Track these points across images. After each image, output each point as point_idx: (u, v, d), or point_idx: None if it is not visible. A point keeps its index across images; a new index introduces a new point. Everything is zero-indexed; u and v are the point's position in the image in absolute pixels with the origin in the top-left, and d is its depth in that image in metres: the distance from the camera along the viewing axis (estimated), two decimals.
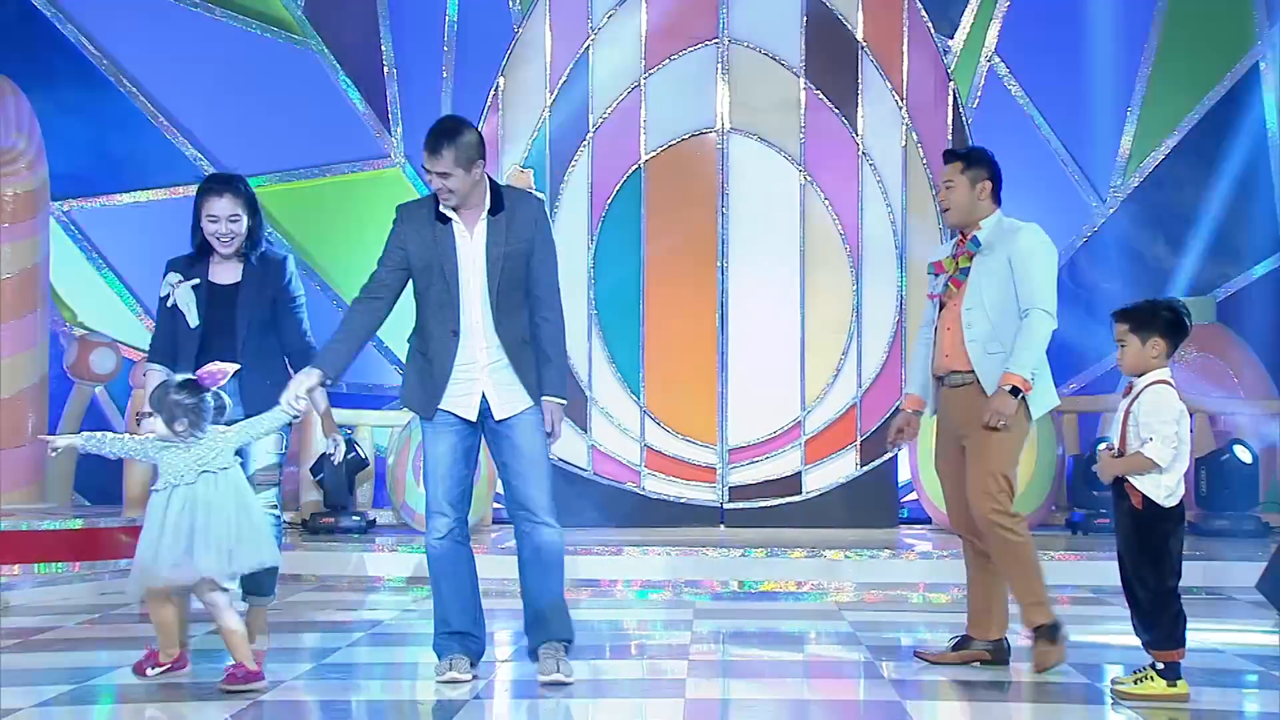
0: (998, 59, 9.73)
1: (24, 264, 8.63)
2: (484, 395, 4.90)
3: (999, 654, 5.28)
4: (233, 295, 5.22)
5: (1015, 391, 5.10)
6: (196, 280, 5.22)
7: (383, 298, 4.95)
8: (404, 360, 5.15)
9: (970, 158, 5.35)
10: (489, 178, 4.95)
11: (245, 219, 5.23)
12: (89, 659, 5.60)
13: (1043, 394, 5.21)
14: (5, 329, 8.55)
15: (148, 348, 5.34)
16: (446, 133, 4.82)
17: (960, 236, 5.32)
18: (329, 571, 7.91)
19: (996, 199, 5.33)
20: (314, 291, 9.85)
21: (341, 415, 9.22)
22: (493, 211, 4.90)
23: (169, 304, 5.22)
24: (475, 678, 4.99)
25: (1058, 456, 8.75)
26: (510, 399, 4.91)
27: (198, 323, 5.19)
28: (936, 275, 5.35)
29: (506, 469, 4.96)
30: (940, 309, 5.30)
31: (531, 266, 4.92)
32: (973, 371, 5.17)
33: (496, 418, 4.91)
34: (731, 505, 9.15)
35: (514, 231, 4.89)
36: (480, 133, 4.91)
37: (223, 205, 5.18)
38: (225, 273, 5.25)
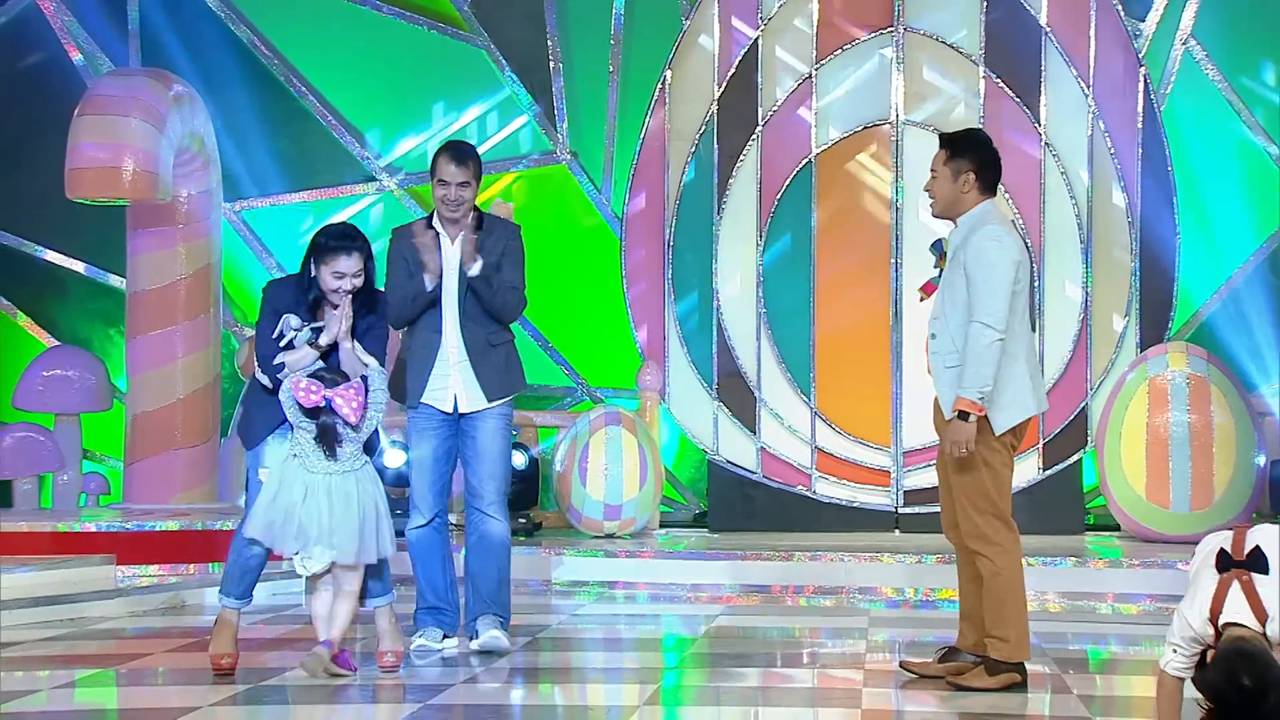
0: (1194, 42, 9.44)
1: (198, 265, 8.92)
2: (455, 393, 5.70)
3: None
4: (335, 346, 5.31)
5: (965, 415, 4.93)
6: (322, 324, 5.28)
7: None
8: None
9: (956, 145, 5.17)
10: (476, 206, 5.81)
11: (364, 272, 5.35)
12: (261, 659, 5.77)
13: (1011, 406, 5.01)
14: (180, 330, 8.85)
15: (260, 359, 5.34)
16: (470, 149, 5.78)
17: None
18: None
19: (987, 189, 5.14)
20: None
21: None
22: (472, 230, 5.71)
23: (281, 345, 5.27)
24: (445, 645, 5.76)
25: (1259, 462, 8.48)
26: (475, 396, 5.70)
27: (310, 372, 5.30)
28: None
29: (468, 466, 5.77)
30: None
31: (500, 271, 5.71)
32: None
33: (461, 410, 5.69)
34: (906, 510, 9.05)
35: (486, 247, 5.69)
36: None
37: (351, 263, 5.30)
38: (323, 312, 5.33)
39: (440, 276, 5.66)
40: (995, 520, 5.07)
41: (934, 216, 5.30)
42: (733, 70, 9.15)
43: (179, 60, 9.58)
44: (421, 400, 5.71)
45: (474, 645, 5.75)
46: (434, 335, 5.70)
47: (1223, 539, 4.11)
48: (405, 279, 5.70)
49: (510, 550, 5.87)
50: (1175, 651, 4.04)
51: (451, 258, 5.70)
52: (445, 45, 9.93)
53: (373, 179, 10.01)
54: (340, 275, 5.28)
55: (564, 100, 9.84)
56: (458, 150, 5.72)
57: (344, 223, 5.52)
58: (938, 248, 5.20)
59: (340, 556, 5.19)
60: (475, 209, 5.78)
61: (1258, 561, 3.95)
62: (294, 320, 5.31)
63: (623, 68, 9.74)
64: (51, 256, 10.01)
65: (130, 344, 8.99)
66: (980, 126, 5.26)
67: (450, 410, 5.71)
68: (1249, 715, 3.73)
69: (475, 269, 5.63)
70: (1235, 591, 3.94)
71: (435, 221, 5.74)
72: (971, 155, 5.17)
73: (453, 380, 5.70)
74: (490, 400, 5.71)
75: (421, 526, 5.80)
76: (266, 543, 5.27)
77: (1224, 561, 3.99)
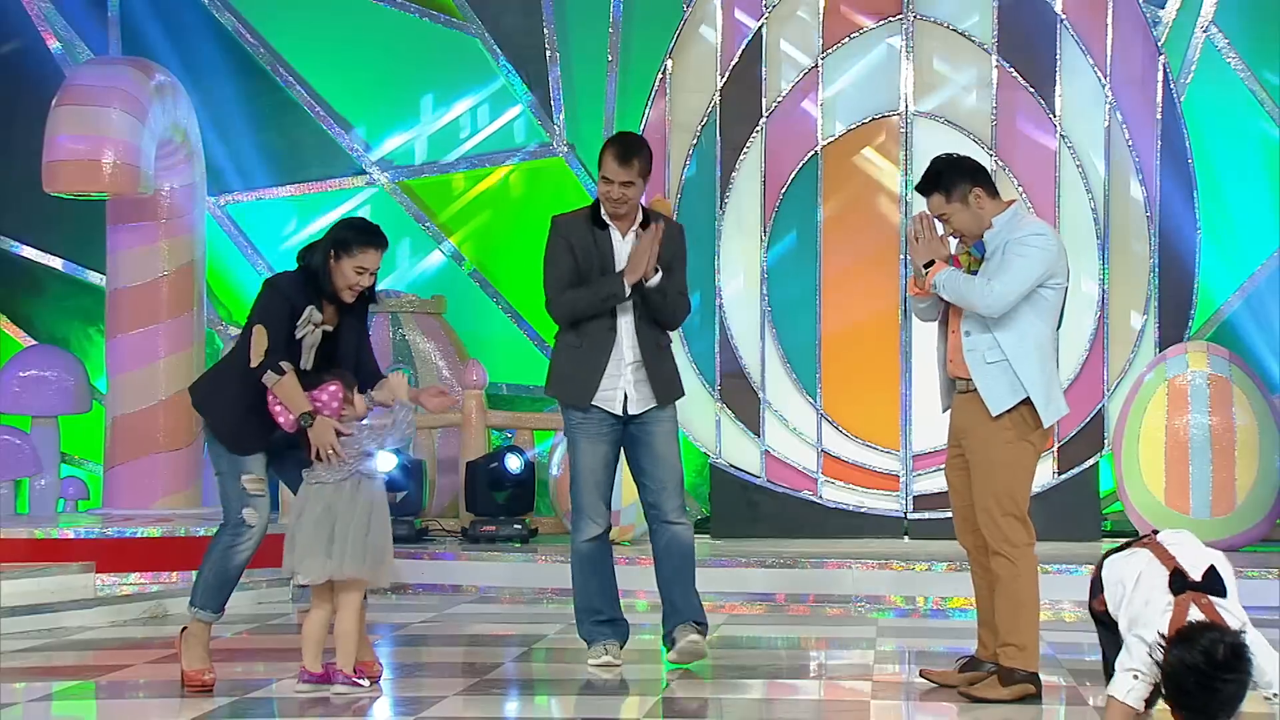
0: (1215, 29, 9.43)
1: (181, 261, 8.92)
2: (625, 393, 5.65)
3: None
4: (334, 340, 5.34)
5: (929, 266, 5.19)
6: (331, 327, 5.30)
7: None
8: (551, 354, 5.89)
9: (942, 183, 5.24)
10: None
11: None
12: (246, 671, 5.78)
13: (1054, 401, 5.18)
14: (162, 329, 8.85)
15: (264, 356, 5.24)
16: (636, 145, 5.68)
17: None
18: (489, 582, 8.02)
19: (995, 193, 5.25)
20: (474, 290, 10.01)
21: (501, 419, 9.41)
22: (642, 226, 5.68)
23: (298, 336, 5.25)
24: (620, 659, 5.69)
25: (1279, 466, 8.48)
26: (643, 395, 5.67)
27: (310, 368, 5.28)
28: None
29: (643, 473, 5.73)
30: (948, 309, 5.34)
31: (671, 274, 5.69)
32: (971, 380, 5.19)
33: (630, 413, 5.65)
34: (916, 515, 9.05)
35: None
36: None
37: (376, 259, 5.31)
38: (327, 314, 5.34)
39: (607, 271, 5.63)
40: (1016, 521, 5.17)
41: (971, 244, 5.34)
42: (736, 60, 9.14)
43: (161, 48, 9.58)
44: (593, 402, 5.65)
45: (671, 656, 5.65)
46: (609, 334, 5.64)
47: (1148, 559, 4.02)
48: (570, 272, 5.65)
49: (694, 553, 5.77)
50: (1137, 678, 3.92)
51: (622, 253, 5.65)
52: (438, 34, 9.94)
53: (362, 172, 10.01)
54: (362, 270, 5.27)
55: (561, 90, 9.84)
56: (624, 146, 5.64)
57: (364, 218, 5.52)
58: (980, 248, 5.28)
59: (349, 571, 5.13)
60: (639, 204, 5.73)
61: (1215, 584, 3.90)
62: (316, 315, 5.28)
63: (622, 57, 9.74)
64: (28, 253, 10.00)
65: (110, 343, 8.98)
66: (940, 155, 5.46)
67: (620, 413, 5.65)
68: (1204, 693, 3.65)
69: (656, 280, 5.59)
70: (1196, 614, 3.89)
71: (604, 214, 5.68)
72: (959, 176, 5.25)
73: (624, 381, 5.64)
74: (662, 404, 5.69)
75: (592, 539, 5.69)
76: (303, 573, 5.20)
77: (1179, 583, 3.93)
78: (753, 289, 9.11)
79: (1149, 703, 4.06)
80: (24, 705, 5.20)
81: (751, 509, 9.07)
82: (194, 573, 7.68)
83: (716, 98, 9.14)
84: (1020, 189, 8.97)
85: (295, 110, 9.97)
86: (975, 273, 5.25)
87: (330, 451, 5.12)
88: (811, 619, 7.38)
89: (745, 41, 9.14)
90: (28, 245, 9.97)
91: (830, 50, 9.09)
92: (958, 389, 5.29)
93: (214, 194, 9.71)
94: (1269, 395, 8.65)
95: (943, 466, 8.95)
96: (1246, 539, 8.44)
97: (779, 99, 9.11)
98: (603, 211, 5.69)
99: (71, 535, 7.73)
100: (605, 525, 5.72)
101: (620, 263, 5.64)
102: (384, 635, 6.58)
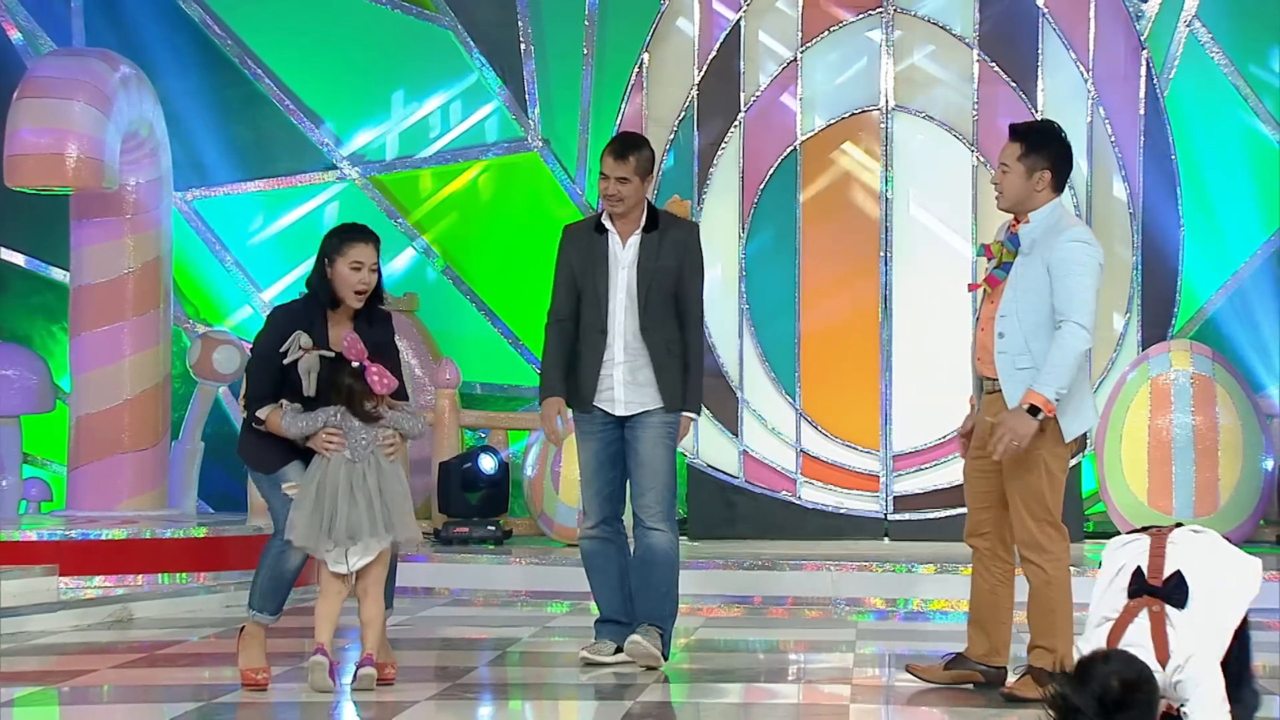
0: (1198, 23, 9.46)
1: (146, 257, 8.87)
2: (618, 395, 5.71)
3: (995, 679, 5.26)
4: (347, 361, 5.27)
5: (1035, 411, 5.02)
6: (333, 353, 5.24)
7: (570, 318, 5.80)
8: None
9: (1033, 141, 5.21)
10: (648, 200, 5.80)
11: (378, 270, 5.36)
12: (213, 675, 5.74)
13: (1079, 414, 5.15)
14: (127, 326, 8.80)
15: (247, 399, 5.29)
16: (635, 143, 5.78)
17: (1014, 220, 5.25)
18: (462, 585, 8.00)
19: (1059, 187, 5.23)
20: (447, 288, 9.98)
21: (474, 418, 9.38)
22: (647, 230, 5.74)
23: (285, 362, 5.21)
24: (616, 659, 5.74)
25: (1266, 466, 8.50)
26: (635, 398, 5.72)
27: (313, 394, 5.23)
28: (988, 260, 5.30)
29: (631, 473, 5.79)
30: (981, 301, 5.31)
31: (679, 285, 5.76)
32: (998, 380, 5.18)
33: (620, 413, 5.70)
34: (896, 516, 9.06)
35: (664, 250, 5.74)
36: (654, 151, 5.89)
37: (369, 252, 5.29)
38: (338, 333, 5.30)
39: (597, 274, 5.69)
40: (1050, 528, 5.17)
41: (999, 210, 5.32)
42: (714, 53, 9.13)
43: (125, 40, 9.52)
44: (594, 404, 5.73)
45: (621, 655, 5.74)
46: (599, 336, 5.71)
47: (1138, 551, 3.72)
48: (566, 288, 5.74)
49: (674, 563, 5.79)
50: None
51: (621, 260, 5.71)
52: (410, 26, 9.91)
53: (333, 167, 9.97)
54: (359, 265, 5.24)
55: (535, 85, 9.82)
56: (622, 142, 5.75)
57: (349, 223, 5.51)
58: (1015, 241, 5.21)
59: (386, 544, 5.23)
60: (649, 205, 5.77)
61: (1175, 592, 3.63)
62: (304, 339, 5.22)
63: (598, 50, 9.73)
64: None
65: (74, 341, 8.93)
66: (1053, 120, 5.35)
67: (618, 413, 5.72)
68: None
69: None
70: (1141, 622, 3.58)
71: (605, 218, 5.75)
72: (1048, 153, 5.22)
73: (614, 382, 5.70)
74: (656, 407, 5.69)
75: (589, 534, 5.83)
76: (312, 548, 5.17)
77: (1138, 584, 3.67)
78: (731, 287, 9.10)
79: None
80: None
81: (729, 510, 9.07)
82: (160, 575, 7.71)
83: (694, 92, 9.12)
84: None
85: (263, 103, 9.92)
86: (1008, 264, 5.18)
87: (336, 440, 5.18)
88: (790, 621, 7.38)
89: (723, 35, 9.13)
90: None
91: (809, 44, 9.09)
92: (985, 388, 5.25)
93: (180, 189, 9.66)
94: (1252, 394, 8.68)
95: (924, 467, 9.08)
96: (1229, 540, 8.45)
97: (757, 93, 9.10)
98: (604, 215, 5.76)
99: (34, 537, 7.69)
100: (598, 521, 5.77)
101: (613, 267, 5.68)
102: (354, 638, 6.54)
